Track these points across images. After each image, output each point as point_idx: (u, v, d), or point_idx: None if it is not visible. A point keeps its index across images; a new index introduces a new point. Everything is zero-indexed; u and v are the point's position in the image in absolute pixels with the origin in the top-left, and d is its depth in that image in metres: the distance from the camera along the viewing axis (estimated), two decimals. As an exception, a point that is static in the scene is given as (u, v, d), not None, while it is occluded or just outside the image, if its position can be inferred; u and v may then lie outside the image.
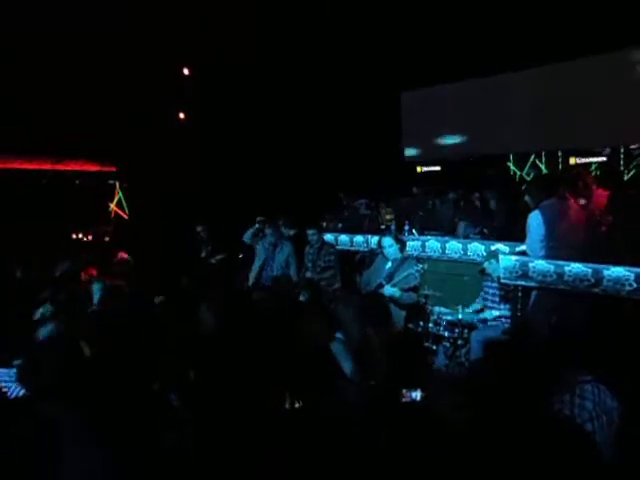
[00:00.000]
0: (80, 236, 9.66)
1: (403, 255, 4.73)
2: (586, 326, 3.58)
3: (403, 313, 4.60)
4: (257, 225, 6.27)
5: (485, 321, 4.67)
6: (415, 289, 4.70)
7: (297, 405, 2.39)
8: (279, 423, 2.14)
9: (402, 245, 4.78)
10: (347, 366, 2.72)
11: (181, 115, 11.04)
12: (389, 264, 4.66)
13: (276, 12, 9.95)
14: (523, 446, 1.89)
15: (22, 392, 2.30)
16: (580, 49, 9.19)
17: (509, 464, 1.78)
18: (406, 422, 2.06)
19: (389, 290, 4.40)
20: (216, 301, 3.55)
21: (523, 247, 4.61)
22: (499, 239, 5.60)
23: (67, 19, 8.13)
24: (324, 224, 7.81)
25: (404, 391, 2.36)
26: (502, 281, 4.47)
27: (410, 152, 13.20)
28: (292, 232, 6.96)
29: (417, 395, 2.35)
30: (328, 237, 6.63)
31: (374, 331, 3.04)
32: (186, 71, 10.55)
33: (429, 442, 1.87)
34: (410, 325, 4.78)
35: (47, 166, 9.64)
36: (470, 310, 4.87)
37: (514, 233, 5.23)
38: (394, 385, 2.44)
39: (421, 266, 4.54)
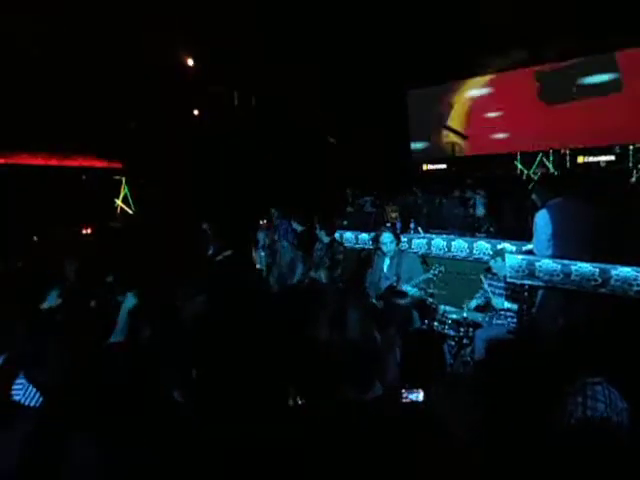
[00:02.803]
0: (87, 231, 9.69)
1: (398, 248, 4.71)
2: (593, 326, 3.55)
3: (416, 312, 4.58)
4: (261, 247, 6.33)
5: (497, 313, 4.64)
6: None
7: (299, 403, 2.38)
8: (281, 420, 2.13)
9: (398, 240, 4.78)
10: None
11: (195, 112, 11.06)
12: (387, 261, 4.63)
13: (283, 9, 9.93)
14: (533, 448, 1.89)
15: (33, 391, 2.27)
16: (582, 48, 9.17)
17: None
18: (407, 423, 2.04)
19: (411, 290, 4.37)
20: (220, 297, 3.55)
21: (530, 246, 4.58)
22: (505, 238, 5.57)
23: (76, 18, 8.15)
24: (337, 222, 7.83)
25: (404, 392, 2.31)
26: (508, 280, 4.44)
27: (417, 150, 13.17)
28: (301, 228, 6.97)
29: (418, 396, 2.30)
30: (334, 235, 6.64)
31: (390, 334, 3.02)
32: (190, 62, 10.54)
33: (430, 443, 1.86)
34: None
35: (54, 162, 9.68)
36: (472, 306, 4.84)
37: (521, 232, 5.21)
38: (397, 387, 2.39)
39: (439, 268, 4.49)
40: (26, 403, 2.19)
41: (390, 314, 3.70)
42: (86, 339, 2.70)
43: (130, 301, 3.04)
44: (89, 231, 9.21)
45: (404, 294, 4.39)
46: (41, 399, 2.20)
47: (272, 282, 5.76)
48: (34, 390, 2.23)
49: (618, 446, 1.76)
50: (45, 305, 3.54)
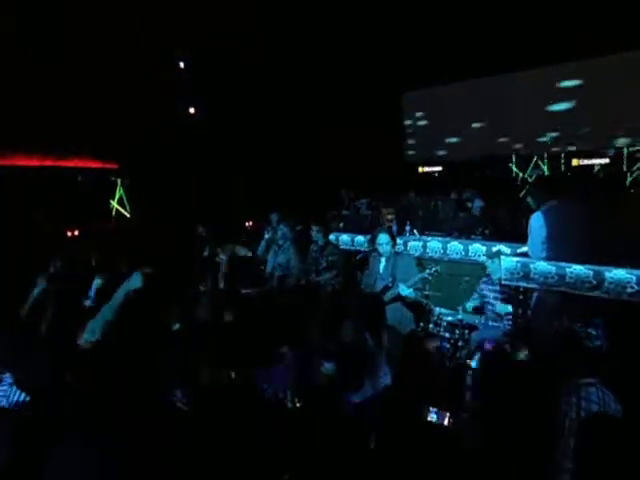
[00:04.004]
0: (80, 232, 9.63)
1: (394, 250, 4.69)
2: (588, 328, 3.56)
3: (411, 314, 4.55)
4: (266, 235, 6.29)
5: (499, 315, 4.62)
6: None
7: (298, 404, 2.38)
8: (279, 420, 2.13)
9: (394, 241, 4.71)
10: None
11: (191, 110, 11.05)
12: (383, 262, 4.62)
13: (281, 13, 9.96)
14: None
15: (16, 395, 2.24)
16: (582, 50, 9.23)
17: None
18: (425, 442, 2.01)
19: (406, 291, 4.32)
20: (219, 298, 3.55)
21: (525, 248, 4.59)
22: (501, 240, 5.59)
23: (72, 19, 8.14)
24: (332, 224, 7.83)
25: (430, 409, 2.23)
26: (503, 282, 4.46)
27: (412, 152, 13.21)
28: (297, 229, 6.96)
29: (445, 419, 2.21)
30: (329, 237, 6.63)
31: (374, 333, 3.02)
32: (181, 65, 10.56)
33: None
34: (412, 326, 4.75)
35: (49, 162, 9.64)
36: (469, 308, 4.83)
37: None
38: (418, 401, 2.32)
39: (435, 269, 4.46)
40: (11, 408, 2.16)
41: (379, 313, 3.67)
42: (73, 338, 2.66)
43: (135, 281, 2.83)
44: (82, 232, 9.15)
45: (385, 291, 4.37)
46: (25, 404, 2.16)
47: (274, 280, 5.74)
48: (17, 394, 2.19)
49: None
50: (35, 291, 3.49)
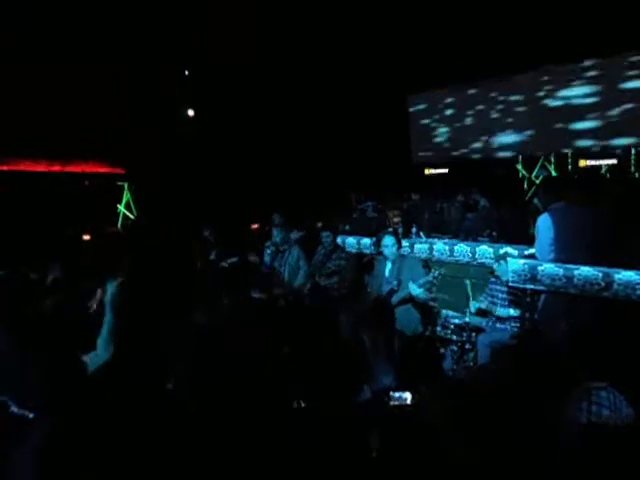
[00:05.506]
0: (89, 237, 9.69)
1: (399, 253, 4.66)
2: (597, 330, 3.53)
3: (418, 315, 4.52)
4: (271, 247, 6.30)
5: (499, 319, 4.60)
6: None
7: (300, 405, 2.37)
8: (282, 422, 2.13)
9: (399, 244, 4.66)
10: None
11: (190, 113, 11.10)
12: (389, 265, 4.60)
13: (283, 14, 10.00)
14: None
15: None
16: (583, 52, 9.23)
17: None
18: (394, 426, 2.02)
19: (416, 291, 4.28)
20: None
21: (532, 250, 4.57)
22: (507, 242, 5.56)
23: (77, 23, 8.22)
24: (341, 227, 7.82)
25: (392, 394, 2.27)
26: (511, 284, 4.43)
27: (418, 154, 13.18)
28: (299, 234, 6.94)
29: (406, 398, 2.25)
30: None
31: (374, 336, 3.00)
32: (186, 72, 10.63)
33: (417, 447, 1.84)
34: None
35: (56, 167, 9.72)
36: (473, 309, 4.80)
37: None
38: (386, 389, 2.35)
39: (438, 272, 4.42)
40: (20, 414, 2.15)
41: (379, 316, 3.66)
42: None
43: (109, 288, 2.78)
44: (89, 237, 9.20)
45: (392, 294, 4.35)
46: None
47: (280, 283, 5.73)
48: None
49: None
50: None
